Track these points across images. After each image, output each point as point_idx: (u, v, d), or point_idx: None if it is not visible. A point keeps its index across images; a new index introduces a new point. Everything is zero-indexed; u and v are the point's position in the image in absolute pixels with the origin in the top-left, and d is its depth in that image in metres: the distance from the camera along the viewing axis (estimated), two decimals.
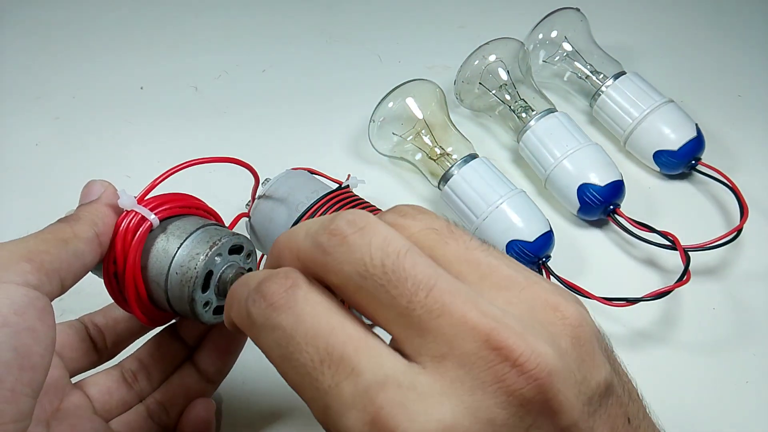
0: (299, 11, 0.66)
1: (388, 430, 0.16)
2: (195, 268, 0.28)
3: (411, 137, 0.46)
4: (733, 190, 0.43)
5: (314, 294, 0.19)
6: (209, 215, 0.32)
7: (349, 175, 0.41)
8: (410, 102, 0.47)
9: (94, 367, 0.32)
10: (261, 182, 0.40)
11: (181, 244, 0.29)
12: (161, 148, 0.52)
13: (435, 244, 0.20)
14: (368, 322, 0.20)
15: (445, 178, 0.44)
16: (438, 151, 0.46)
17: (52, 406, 0.29)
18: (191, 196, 0.32)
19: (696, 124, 0.46)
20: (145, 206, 0.29)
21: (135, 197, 0.29)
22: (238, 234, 0.30)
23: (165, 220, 0.29)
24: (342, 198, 0.38)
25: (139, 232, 0.28)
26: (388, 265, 0.18)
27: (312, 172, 0.41)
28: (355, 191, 0.40)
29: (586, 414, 0.18)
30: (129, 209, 0.28)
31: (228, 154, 0.34)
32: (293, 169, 0.41)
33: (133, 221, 0.28)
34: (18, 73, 0.60)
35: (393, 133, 0.47)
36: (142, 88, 0.58)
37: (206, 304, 0.29)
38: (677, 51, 0.58)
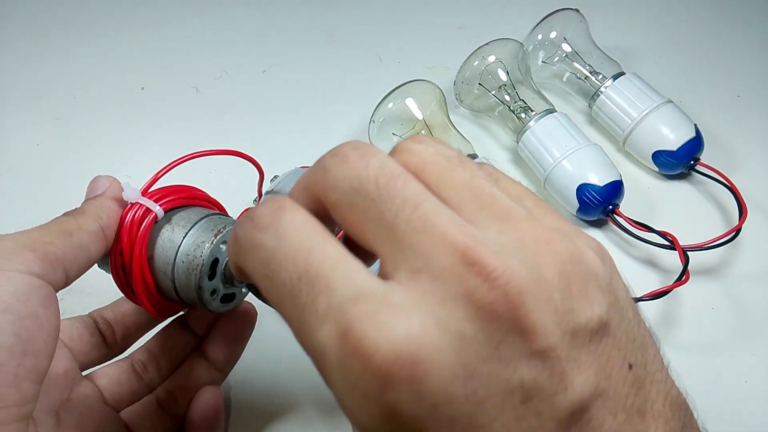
0: (299, 11, 0.66)
1: (357, 340, 0.16)
2: (201, 256, 0.28)
3: None
4: (732, 190, 0.43)
5: (300, 216, 0.19)
6: (212, 206, 0.32)
7: None
8: (410, 102, 0.47)
9: (105, 361, 0.33)
10: (270, 179, 0.40)
11: (187, 233, 0.29)
12: (162, 148, 0.52)
13: (442, 170, 0.20)
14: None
15: None
16: None
17: (62, 396, 0.30)
18: (194, 187, 0.32)
19: (695, 125, 0.46)
20: (149, 198, 0.29)
21: (139, 190, 0.29)
22: None
23: (169, 211, 0.30)
24: None
25: (144, 224, 0.28)
26: (381, 182, 0.18)
27: None
28: None
29: (567, 343, 0.17)
30: (133, 201, 0.29)
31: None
32: (302, 167, 0.41)
33: (138, 213, 0.29)
34: (18, 73, 0.60)
35: (393, 134, 0.47)
36: (143, 88, 0.58)
37: (213, 292, 0.30)
38: (676, 51, 0.58)
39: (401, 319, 0.16)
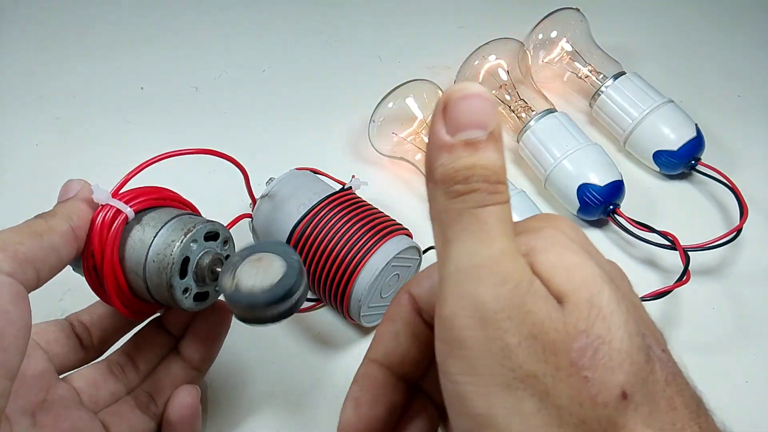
0: (299, 11, 0.66)
1: None
2: (171, 255, 0.29)
3: (411, 137, 0.47)
4: (733, 190, 0.43)
5: None
6: (184, 206, 0.33)
7: (353, 176, 0.41)
8: (410, 102, 0.47)
9: (82, 365, 0.33)
10: (266, 182, 0.40)
11: (157, 233, 0.29)
12: (162, 148, 0.52)
13: None
14: None
15: None
16: None
17: (38, 397, 0.29)
18: (165, 188, 0.32)
19: (696, 124, 0.46)
20: (119, 200, 0.29)
21: (109, 191, 0.29)
22: (212, 221, 0.31)
23: (140, 212, 0.30)
24: (344, 200, 0.38)
25: (114, 225, 0.29)
26: None
27: (316, 172, 0.41)
28: (357, 192, 0.40)
29: None
30: (104, 203, 0.29)
31: (228, 154, 0.34)
32: (297, 169, 0.41)
33: (108, 214, 0.29)
34: (18, 73, 0.60)
35: (393, 133, 0.47)
36: (142, 88, 0.58)
37: (186, 290, 0.30)
38: (677, 51, 0.58)
39: None
